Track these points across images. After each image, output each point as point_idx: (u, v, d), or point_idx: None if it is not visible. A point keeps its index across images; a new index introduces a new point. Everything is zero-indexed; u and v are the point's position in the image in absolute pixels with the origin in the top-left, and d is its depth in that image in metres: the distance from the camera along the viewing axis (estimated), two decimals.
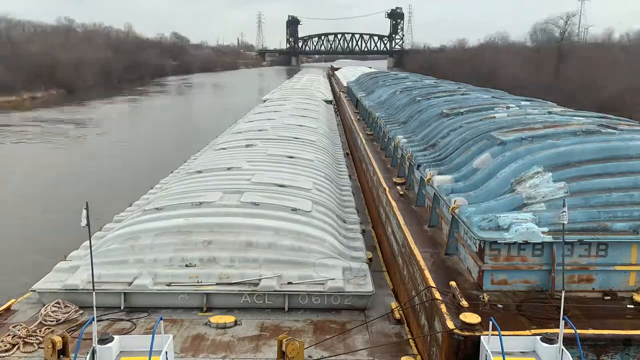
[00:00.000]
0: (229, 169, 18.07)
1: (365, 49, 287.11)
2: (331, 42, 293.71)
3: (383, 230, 16.63)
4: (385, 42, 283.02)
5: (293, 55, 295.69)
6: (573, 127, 13.54)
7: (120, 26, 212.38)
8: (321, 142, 25.23)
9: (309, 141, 24.27)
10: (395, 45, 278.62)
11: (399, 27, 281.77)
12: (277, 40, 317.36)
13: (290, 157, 20.12)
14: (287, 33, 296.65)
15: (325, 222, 14.24)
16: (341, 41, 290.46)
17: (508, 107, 19.02)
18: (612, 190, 10.63)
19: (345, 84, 66.31)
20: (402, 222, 13.74)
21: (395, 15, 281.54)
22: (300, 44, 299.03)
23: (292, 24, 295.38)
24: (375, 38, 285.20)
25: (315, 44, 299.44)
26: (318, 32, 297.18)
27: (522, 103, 21.10)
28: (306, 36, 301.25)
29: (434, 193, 13.35)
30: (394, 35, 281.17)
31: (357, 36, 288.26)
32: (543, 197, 10.58)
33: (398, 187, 17.29)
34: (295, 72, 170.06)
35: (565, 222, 7.85)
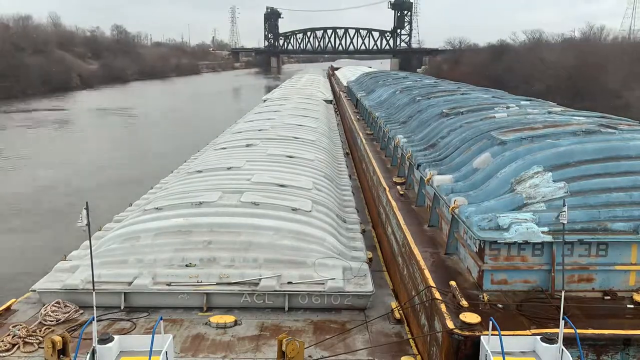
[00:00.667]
0: (229, 168, 18.07)
1: (363, 48, 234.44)
2: (319, 40, 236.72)
3: (383, 230, 16.63)
4: (388, 38, 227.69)
5: (272, 55, 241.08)
6: (573, 127, 13.54)
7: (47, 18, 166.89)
8: (321, 142, 25.23)
9: (309, 141, 24.26)
10: (400, 43, 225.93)
11: (405, 20, 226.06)
12: (257, 40, 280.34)
13: (290, 157, 20.12)
14: (265, 28, 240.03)
15: (325, 221, 14.24)
16: (332, 38, 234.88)
17: (508, 107, 19.03)
18: (612, 190, 10.63)
19: (345, 84, 66.36)
20: (402, 221, 13.74)
21: (401, 6, 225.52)
22: (281, 42, 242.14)
23: (271, 17, 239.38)
24: (376, 34, 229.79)
25: (299, 41, 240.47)
26: (303, 27, 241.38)
27: (522, 103, 21.10)
28: (289, 32, 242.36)
29: (434, 193, 13.35)
30: (399, 31, 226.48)
31: (351, 32, 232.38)
32: (543, 197, 10.58)
33: (398, 186, 17.29)
34: (274, 77, 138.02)
35: (565, 222, 7.86)
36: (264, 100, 45.78)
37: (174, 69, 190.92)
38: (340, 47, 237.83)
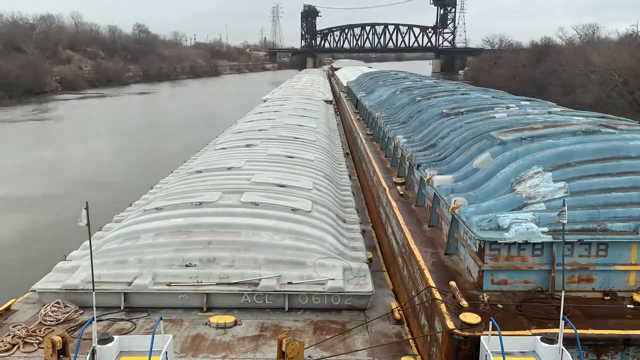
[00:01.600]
0: (229, 168, 18.07)
1: (403, 45, 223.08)
2: (357, 37, 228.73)
3: (383, 230, 16.63)
4: (430, 34, 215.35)
5: (309, 55, 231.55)
6: (573, 127, 13.55)
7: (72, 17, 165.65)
8: (321, 142, 25.22)
9: (309, 141, 24.26)
10: (443, 42, 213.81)
11: (448, 17, 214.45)
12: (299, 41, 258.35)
13: (290, 157, 20.12)
14: (302, 28, 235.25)
15: (325, 222, 14.24)
16: (370, 35, 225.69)
17: (508, 107, 19.04)
18: (612, 190, 10.64)
19: (345, 84, 66.34)
20: (402, 222, 13.74)
21: (444, 2, 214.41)
22: (318, 40, 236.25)
23: (309, 15, 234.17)
24: (417, 30, 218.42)
25: (337, 39, 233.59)
26: (340, 24, 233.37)
27: (522, 103, 21.11)
28: (326, 29, 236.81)
29: (434, 193, 13.36)
30: (441, 30, 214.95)
31: (391, 28, 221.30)
32: (543, 197, 10.58)
33: (398, 187, 17.29)
34: None
35: (565, 222, 7.85)
36: (264, 101, 45.77)
37: (189, 70, 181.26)
38: (379, 45, 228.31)
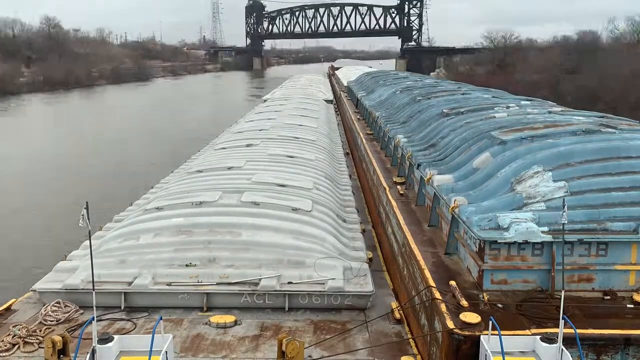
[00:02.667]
0: (229, 168, 18.08)
1: (363, 27, 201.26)
2: (310, 21, 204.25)
3: (383, 229, 16.63)
4: (394, 15, 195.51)
5: (255, 55, 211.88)
6: (573, 127, 13.54)
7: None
8: (321, 142, 25.23)
9: (309, 141, 24.28)
10: (407, 43, 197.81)
11: (412, 14, 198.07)
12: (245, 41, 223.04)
13: (291, 157, 20.13)
14: (246, 24, 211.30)
15: (325, 221, 14.24)
16: (325, 18, 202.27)
17: (508, 107, 19.04)
18: (612, 189, 10.63)
19: (345, 84, 66.37)
20: (402, 221, 13.74)
21: (408, 1, 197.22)
22: (265, 25, 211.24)
23: (254, 10, 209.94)
24: (378, 11, 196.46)
25: (287, 24, 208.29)
26: (291, 5, 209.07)
27: (522, 103, 21.11)
28: (274, 11, 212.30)
29: (434, 193, 13.35)
30: (406, 14, 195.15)
31: (348, 9, 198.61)
32: (543, 197, 10.58)
33: (398, 186, 17.29)
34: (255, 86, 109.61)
35: (565, 221, 7.85)
36: (265, 100, 45.80)
37: (110, 74, 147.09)
38: (335, 28, 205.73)
